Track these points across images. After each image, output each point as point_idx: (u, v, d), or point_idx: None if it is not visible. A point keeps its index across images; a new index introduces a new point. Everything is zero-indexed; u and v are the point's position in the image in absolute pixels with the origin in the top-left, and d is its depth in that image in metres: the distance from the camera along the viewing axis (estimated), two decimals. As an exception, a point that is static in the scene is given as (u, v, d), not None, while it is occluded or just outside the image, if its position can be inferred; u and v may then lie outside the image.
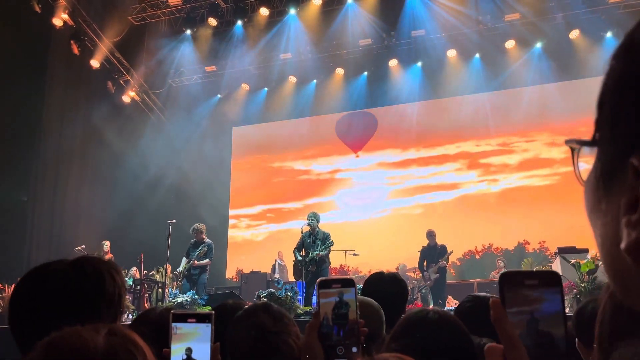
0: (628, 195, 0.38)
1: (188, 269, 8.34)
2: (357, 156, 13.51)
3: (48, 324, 0.92)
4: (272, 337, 1.49)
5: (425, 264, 9.06)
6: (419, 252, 9.18)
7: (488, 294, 1.99)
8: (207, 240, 8.55)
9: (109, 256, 9.37)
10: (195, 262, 8.30)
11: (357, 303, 1.11)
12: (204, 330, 1.17)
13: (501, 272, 0.70)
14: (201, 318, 1.18)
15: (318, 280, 1.12)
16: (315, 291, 1.13)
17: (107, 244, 9.64)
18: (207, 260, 8.40)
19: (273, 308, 1.59)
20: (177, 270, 8.64)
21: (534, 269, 8.87)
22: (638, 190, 0.37)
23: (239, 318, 1.58)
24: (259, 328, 1.51)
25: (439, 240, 9.16)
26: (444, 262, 8.91)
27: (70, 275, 1.14)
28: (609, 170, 0.40)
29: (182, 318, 1.17)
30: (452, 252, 9.14)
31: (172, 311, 1.19)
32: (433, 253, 9.00)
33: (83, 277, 1.15)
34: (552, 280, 0.68)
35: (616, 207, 0.39)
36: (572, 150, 0.45)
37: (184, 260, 8.58)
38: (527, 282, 0.67)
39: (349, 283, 1.12)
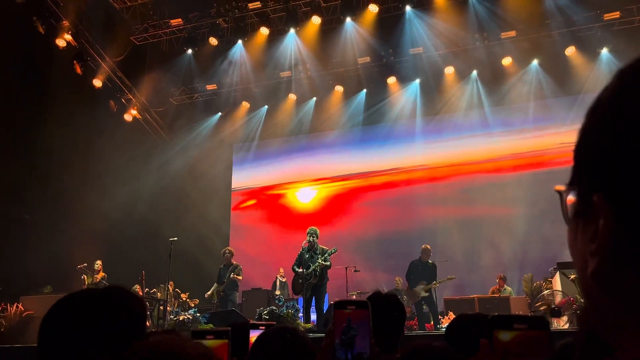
0: (591, 228, 0.44)
1: (223, 290, 9.19)
2: None
3: (76, 351, 0.96)
4: None
5: (412, 278, 8.97)
6: (409, 265, 9.10)
7: (471, 313, 2.08)
8: (234, 262, 9.54)
9: (101, 275, 9.53)
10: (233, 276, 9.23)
11: (372, 325, 1.11)
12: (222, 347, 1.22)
13: (492, 316, 0.74)
14: (219, 335, 1.24)
15: (333, 301, 1.14)
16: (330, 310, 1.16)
17: (98, 263, 9.68)
18: (239, 277, 9.37)
19: (293, 334, 1.60)
20: (206, 295, 9.57)
21: (533, 284, 8.89)
22: (597, 223, 0.43)
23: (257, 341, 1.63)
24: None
25: (441, 257, 9.13)
26: (436, 284, 8.84)
27: (98, 304, 1.19)
28: (581, 208, 0.47)
29: (201, 335, 1.24)
30: (454, 277, 9.05)
31: (191, 329, 1.25)
32: (424, 270, 8.89)
33: (110, 306, 1.20)
34: (539, 325, 0.72)
35: (586, 240, 0.45)
36: (560, 194, 0.50)
37: (215, 285, 9.47)
38: (516, 325, 0.71)
39: (363, 305, 1.12)
